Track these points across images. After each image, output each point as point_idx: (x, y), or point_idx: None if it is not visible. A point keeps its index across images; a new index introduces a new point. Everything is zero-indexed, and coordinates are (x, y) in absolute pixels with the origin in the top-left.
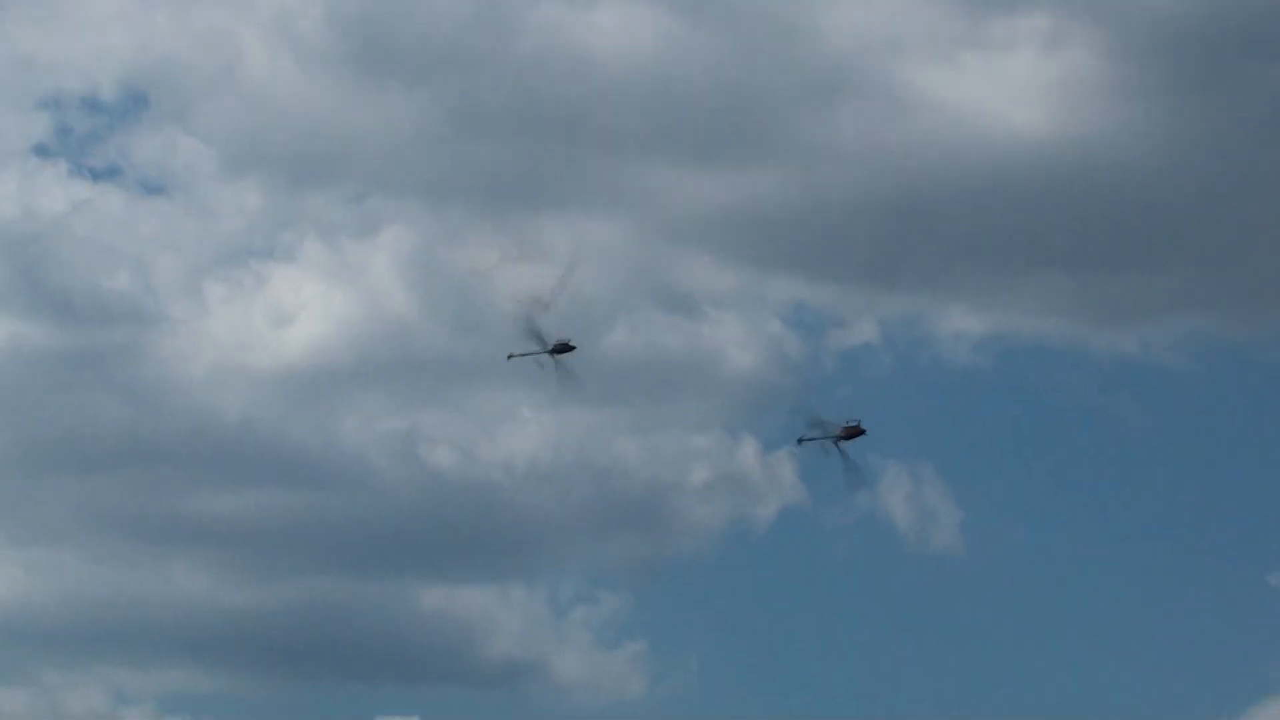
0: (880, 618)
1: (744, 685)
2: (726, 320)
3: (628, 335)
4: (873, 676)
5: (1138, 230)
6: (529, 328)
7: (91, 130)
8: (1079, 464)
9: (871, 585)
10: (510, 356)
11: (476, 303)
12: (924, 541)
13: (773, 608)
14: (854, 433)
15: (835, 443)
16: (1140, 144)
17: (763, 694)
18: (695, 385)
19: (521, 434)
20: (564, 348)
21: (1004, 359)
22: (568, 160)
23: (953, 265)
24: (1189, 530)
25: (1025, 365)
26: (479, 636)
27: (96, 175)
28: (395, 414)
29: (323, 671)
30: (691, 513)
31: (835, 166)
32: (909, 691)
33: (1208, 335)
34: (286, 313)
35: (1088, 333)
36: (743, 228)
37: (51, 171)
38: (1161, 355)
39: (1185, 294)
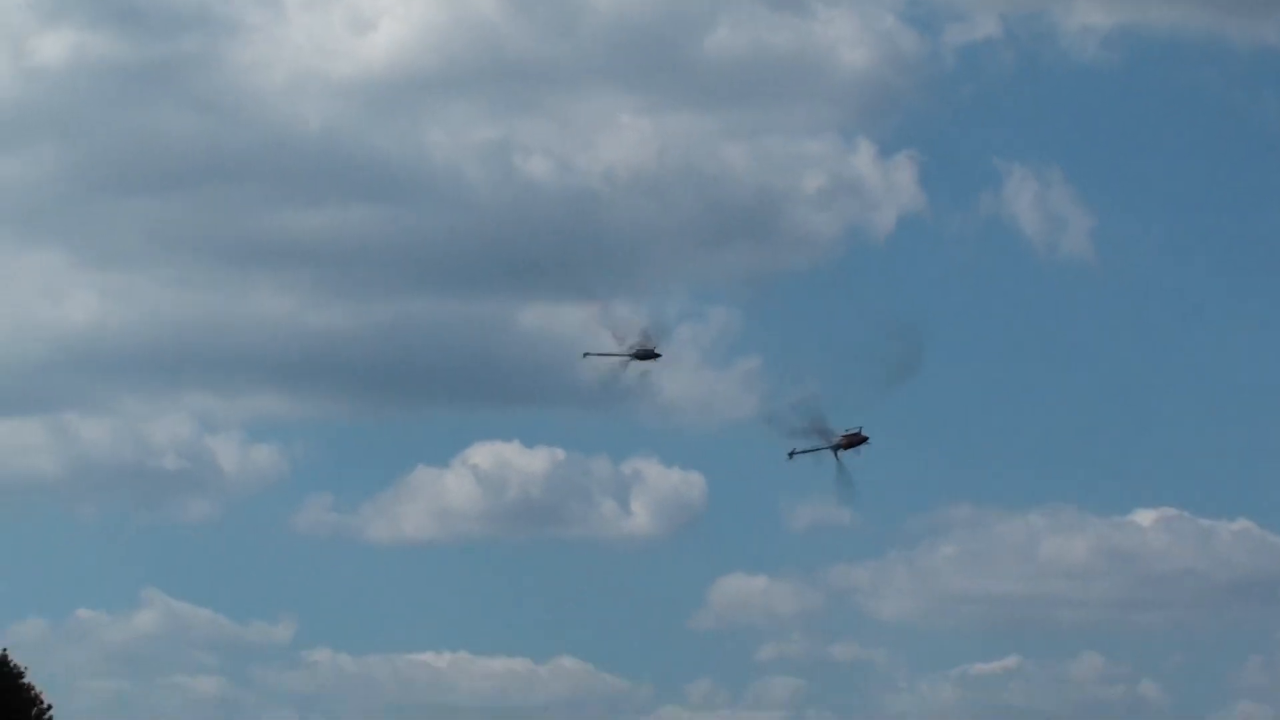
0: (1006, 329)
1: (860, 404)
2: (837, 17)
3: (731, 35)
4: (996, 391)
5: None
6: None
7: None
8: (1218, 164)
9: (996, 295)
10: (586, 355)
11: (571, 4)
12: (1052, 249)
13: (892, 320)
14: (855, 441)
15: (834, 452)
16: None
17: (880, 411)
18: (805, 87)
19: (622, 141)
20: (646, 354)
21: (1135, 53)
22: None
23: None
24: None
25: (1158, 59)
26: (580, 357)
27: None
28: (487, 123)
29: (416, 396)
30: (805, 222)
31: None
32: (1033, 407)
33: None
34: (368, 18)
35: (1226, 22)
36: None
37: None
38: None
39: None
